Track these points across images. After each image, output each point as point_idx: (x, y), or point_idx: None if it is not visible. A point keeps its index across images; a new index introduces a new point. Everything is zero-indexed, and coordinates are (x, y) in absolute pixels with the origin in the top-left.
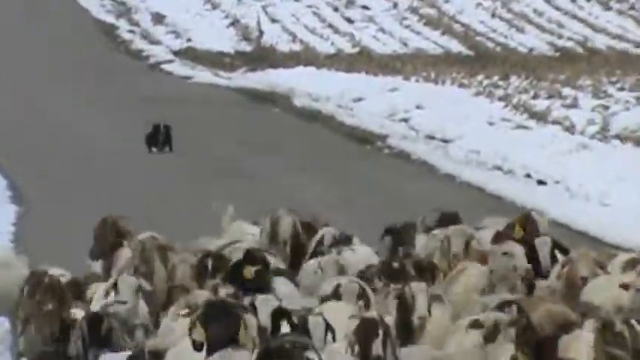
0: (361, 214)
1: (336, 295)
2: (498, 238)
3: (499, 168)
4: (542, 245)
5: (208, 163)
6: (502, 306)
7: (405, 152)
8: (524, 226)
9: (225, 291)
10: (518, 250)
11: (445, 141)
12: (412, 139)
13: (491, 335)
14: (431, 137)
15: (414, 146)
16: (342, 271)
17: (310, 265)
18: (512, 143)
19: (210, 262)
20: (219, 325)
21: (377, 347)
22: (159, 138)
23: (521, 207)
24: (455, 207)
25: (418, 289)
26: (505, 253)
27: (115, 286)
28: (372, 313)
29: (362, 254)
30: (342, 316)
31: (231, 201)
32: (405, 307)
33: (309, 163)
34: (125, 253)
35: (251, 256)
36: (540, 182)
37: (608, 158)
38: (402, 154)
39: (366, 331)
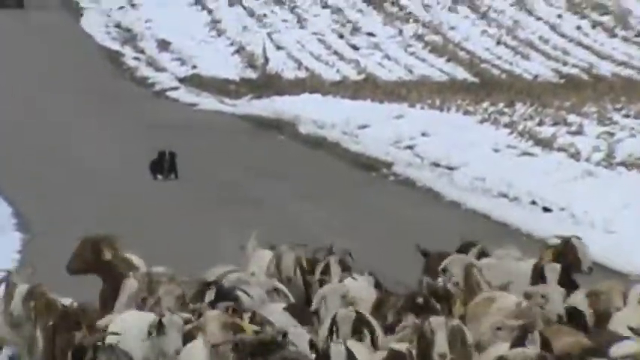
0: (366, 241)
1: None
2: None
3: (504, 195)
4: (551, 272)
5: (214, 190)
6: (523, 334)
7: (411, 179)
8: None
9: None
10: (557, 294)
11: (450, 168)
12: (417, 167)
13: None
14: (436, 164)
15: (419, 173)
16: (345, 300)
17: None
18: (518, 170)
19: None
20: None
21: None
22: (164, 165)
23: (526, 234)
24: (461, 235)
25: (437, 324)
26: (543, 296)
27: (160, 323)
28: (401, 346)
29: (361, 284)
30: (361, 347)
31: (237, 228)
32: (425, 342)
33: (315, 189)
34: (131, 284)
35: (222, 293)
36: (546, 209)
37: (614, 185)
38: (407, 181)
39: None
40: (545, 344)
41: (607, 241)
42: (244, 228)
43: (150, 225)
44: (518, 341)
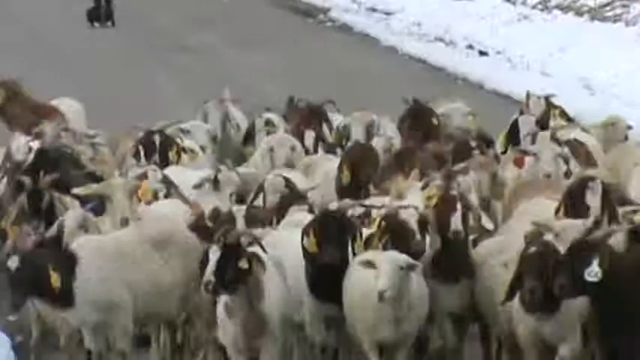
0: (301, 84)
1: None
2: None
3: (441, 39)
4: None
5: (150, 37)
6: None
7: (348, 25)
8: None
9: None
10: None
11: (387, 13)
12: (354, 12)
13: None
14: (373, 10)
15: (355, 19)
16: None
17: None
18: (454, 15)
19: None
20: (332, 236)
21: (456, 222)
22: (100, 12)
23: (462, 78)
24: (398, 79)
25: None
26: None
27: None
28: (452, 190)
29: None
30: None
31: (176, 74)
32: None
33: (254, 36)
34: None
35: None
36: (482, 53)
37: (549, 28)
38: (344, 27)
39: (446, 206)
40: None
41: (543, 84)
42: (181, 73)
43: (87, 70)
44: None
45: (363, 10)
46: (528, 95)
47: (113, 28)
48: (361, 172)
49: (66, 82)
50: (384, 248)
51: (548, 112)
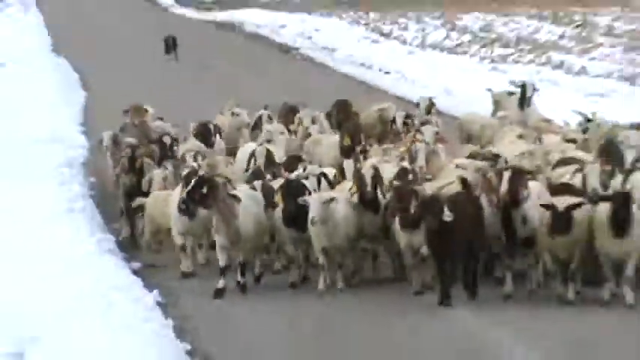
0: (282, 93)
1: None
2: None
3: (363, 65)
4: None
5: (199, 64)
6: None
7: (310, 57)
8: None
9: None
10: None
11: (333, 50)
12: (313, 49)
13: None
14: (324, 48)
15: (314, 53)
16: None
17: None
18: (371, 50)
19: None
20: (290, 194)
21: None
22: (169, 43)
23: (376, 88)
24: (338, 89)
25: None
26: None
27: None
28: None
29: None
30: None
31: (209, 82)
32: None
33: (251, 63)
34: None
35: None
36: (387, 73)
37: (425, 58)
38: (308, 58)
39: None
40: None
41: (423, 92)
42: (205, 82)
43: (158, 84)
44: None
45: (319, 48)
46: (419, 100)
47: (175, 58)
48: (355, 138)
49: (145, 90)
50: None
51: (430, 107)
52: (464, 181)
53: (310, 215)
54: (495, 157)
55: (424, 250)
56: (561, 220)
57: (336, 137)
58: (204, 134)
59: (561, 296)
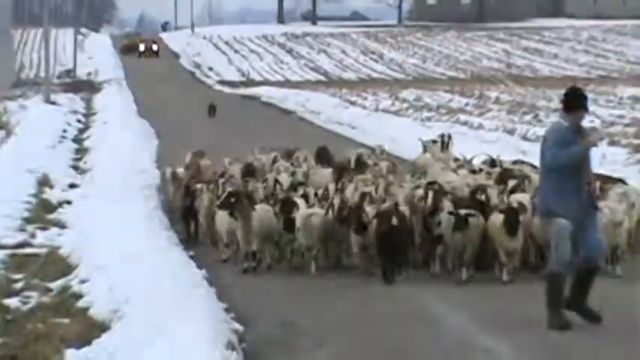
0: (287, 139)
1: None
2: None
3: (337, 122)
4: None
5: (229, 121)
6: None
7: (303, 118)
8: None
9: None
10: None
11: (318, 113)
12: (306, 113)
13: None
14: (313, 112)
15: (306, 115)
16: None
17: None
18: (343, 113)
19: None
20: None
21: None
22: (211, 110)
23: (346, 138)
24: (321, 138)
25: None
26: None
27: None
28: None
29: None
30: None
31: (236, 133)
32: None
33: (266, 121)
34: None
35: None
36: (353, 128)
37: (379, 120)
38: (302, 118)
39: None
40: None
41: (378, 141)
42: (238, 133)
43: (204, 134)
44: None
45: (309, 112)
46: (376, 146)
47: (215, 119)
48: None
49: (196, 139)
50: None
51: (382, 151)
52: (395, 203)
53: (297, 224)
54: (433, 183)
55: (371, 249)
56: (460, 222)
57: (327, 170)
58: (248, 169)
59: (457, 279)
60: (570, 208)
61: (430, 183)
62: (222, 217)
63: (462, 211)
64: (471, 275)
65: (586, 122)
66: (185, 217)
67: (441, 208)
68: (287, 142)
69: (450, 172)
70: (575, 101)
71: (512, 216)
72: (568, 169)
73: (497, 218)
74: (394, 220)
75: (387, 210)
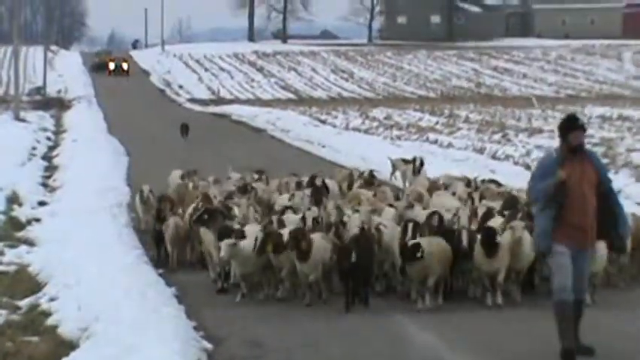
0: (258, 158)
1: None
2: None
3: (308, 141)
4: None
5: (199, 140)
6: None
7: (274, 136)
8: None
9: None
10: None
11: (287, 131)
12: (276, 131)
13: None
14: (283, 130)
15: (277, 133)
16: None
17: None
18: (313, 131)
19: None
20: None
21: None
22: (183, 129)
23: (318, 157)
24: (292, 157)
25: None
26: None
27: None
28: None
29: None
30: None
31: (208, 153)
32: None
33: (237, 139)
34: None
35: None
36: (323, 146)
37: (349, 138)
38: (272, 136)
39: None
40: None
41: (347, 160)
42: (209, 151)
43: (175, 152)
44: None
45: (279, 130)
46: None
47: (187, 140)
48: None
49: (168, 156)
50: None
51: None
52: (362, 228)
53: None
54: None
55: (312, 278)
56: (408, 253)
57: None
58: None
59: (420, 307)
60: (573, 240)
61: (433, 213)
62: (208, 235)
63: (411, 242)
64: (438, 302)
65: (555, 143)
66: (156, 239)
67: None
68: (258, 160)
69: (451, 199)
70: (563, 126)
71: (489, 236)
72: (565, 198)
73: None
74: (353, 257)
75: (346, 245)
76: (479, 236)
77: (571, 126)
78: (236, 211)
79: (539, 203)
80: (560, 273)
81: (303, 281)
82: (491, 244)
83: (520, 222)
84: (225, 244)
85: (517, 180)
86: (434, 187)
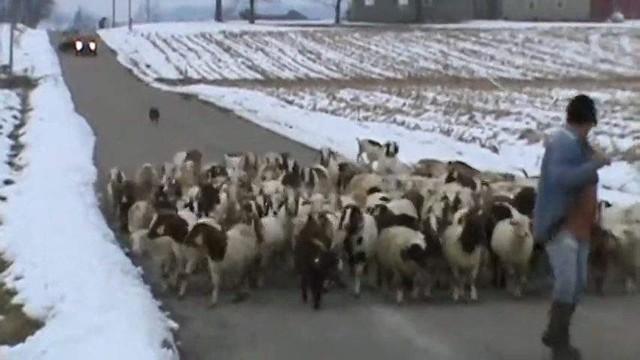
0: (225, 139)
1: None
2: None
3: (275, 122)
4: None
5: (168, 122)
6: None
7: (241, 116)
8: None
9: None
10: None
11: (255, 111)
12: (244, 111)
13: None
14: (250, 110)
15: (245, 114)
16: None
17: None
18: (280, 112)
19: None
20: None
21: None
22: (152, 113)
23: (283, 137)
24: (259, 138)
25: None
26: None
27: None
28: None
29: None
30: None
31: (177, 136)
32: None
33: (205, 119)
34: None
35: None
36: (290, 127)
37: (316, 119)
38: (240, 117)
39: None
40: None
41: (315, 141)
42: (177, 131)
43: (142, 132)
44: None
45: (247, 110)
46: (322, 149)
47: (157, 124)
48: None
49: (136, 136)
50: None
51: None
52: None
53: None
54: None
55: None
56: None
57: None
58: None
59: (392, 300)
60: (581, 230)
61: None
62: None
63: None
64: (408, 296)
65: (522, 125)
66: (122, 217)
67: (360, 227)
68: (228, 141)
69: (453, 184)
70: (584, 112)
71: (471, 231)
72: (576, 187)
73: (453, 232)
74: (316, 261)
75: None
76: (457, 229)
77: (591, 116)
78: (223, 197)
79: (563, 187)
80: (565, 272)
81: (215, 278)
82: (471, 241)
83: (524, 217)
84: (137, 235)
85: (484, 162)
86: (419, 173)
